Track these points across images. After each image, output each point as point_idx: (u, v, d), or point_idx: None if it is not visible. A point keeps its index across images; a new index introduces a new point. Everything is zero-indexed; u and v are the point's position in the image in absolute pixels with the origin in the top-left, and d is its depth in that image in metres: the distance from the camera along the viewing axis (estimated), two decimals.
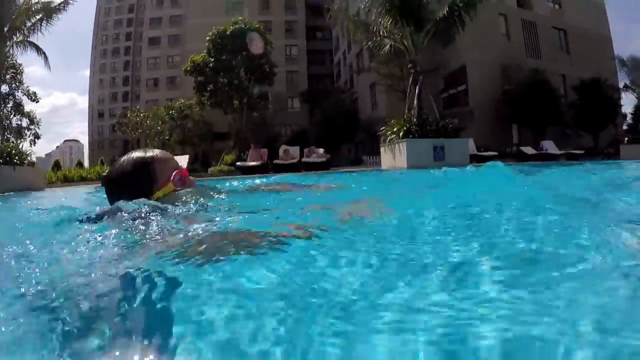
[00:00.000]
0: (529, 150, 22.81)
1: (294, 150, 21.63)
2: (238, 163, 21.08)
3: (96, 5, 67.18)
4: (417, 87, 16.01)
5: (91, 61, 67.89)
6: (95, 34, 67.65)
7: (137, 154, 1.55)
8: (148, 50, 56.44)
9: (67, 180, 23.40)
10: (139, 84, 59.21)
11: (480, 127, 27.24)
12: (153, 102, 49.29)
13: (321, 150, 21.64)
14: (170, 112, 34.42)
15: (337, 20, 18.34)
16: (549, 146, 22.91)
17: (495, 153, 20.82)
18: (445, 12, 15.28)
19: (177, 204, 1.44)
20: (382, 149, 16.67)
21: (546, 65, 28.18)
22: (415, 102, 15.86)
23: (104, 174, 1.57)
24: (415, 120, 15.35)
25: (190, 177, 1.62)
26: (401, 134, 14.96)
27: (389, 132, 15.69)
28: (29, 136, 27.33)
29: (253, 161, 20.92)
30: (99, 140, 64.56)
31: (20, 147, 17.44)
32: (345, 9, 18.18)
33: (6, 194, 9.24)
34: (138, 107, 40.90)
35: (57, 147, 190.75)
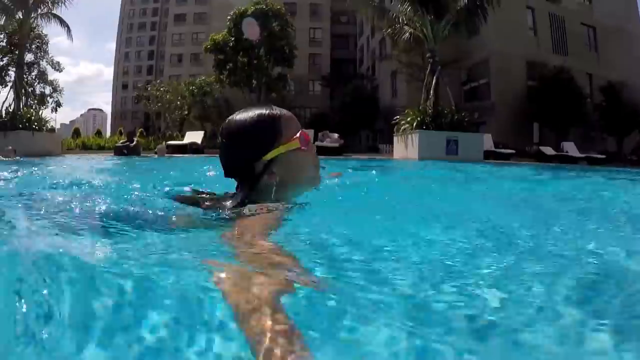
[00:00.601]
0: (548, 150, 22.24)
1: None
2: None
3: None
4: (434, 77, 15.63)
5: (118, 34, 68.67)
6: (123, 7, 68.20)
7: (260, 109, 1.45)
8: (174, 26, 56.60)
9: (85, 148, 23.90)
10: (163, 59, 59.55)
11: (500, 123, 26.74)
12: (176, 77, 49.35)
13: (335, 135, 21.53)
14: (191, 88, 34.50)
15: (357, 4, 17.86)
16: (570, 148, 22.29)
17: (513, 151, 20.35)
18: (466, 1, 14.80)
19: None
20: (395, 139, 16.44)
21: (572, 62, 27.37)
22: (431, 93, 15.52)
23: (224, 126, 1.46)
24: (430, 111, 15.05)
25: (313, 145, 1.51)
26: (414, 124, 14.71)
27: (402, 122, 15.45)
28: (51, 103, 27.68)
29: None
30: (122, 111, 65.34)
31: (40, 114, 18.24)
32: None
33: (21, 158, 9.41)
34: (159, 81, 41.05)
35: (81, 115, 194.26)
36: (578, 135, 25.42)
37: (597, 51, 30.56)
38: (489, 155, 19.29)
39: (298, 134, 1.42)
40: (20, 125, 15.45)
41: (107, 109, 75.63)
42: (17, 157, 9.59)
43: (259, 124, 1.40)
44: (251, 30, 27.64)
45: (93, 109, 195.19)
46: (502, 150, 20.17)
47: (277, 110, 1.44)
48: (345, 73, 46.16)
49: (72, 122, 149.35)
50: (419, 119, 14.72)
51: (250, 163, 1.37)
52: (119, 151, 15.88)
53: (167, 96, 33.93)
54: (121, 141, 18.30)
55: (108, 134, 49.85)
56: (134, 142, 16.61)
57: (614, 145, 27.30)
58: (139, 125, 45.62)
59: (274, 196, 1.37)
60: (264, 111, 1.42)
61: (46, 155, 12.44)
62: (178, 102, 33.74)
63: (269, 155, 1.37)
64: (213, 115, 36.24)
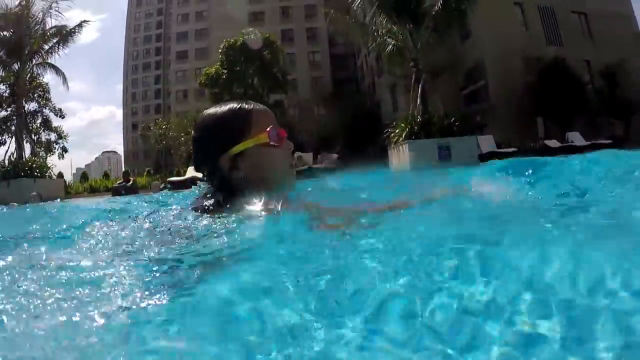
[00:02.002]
0: (553, 143, 21.92)
1: (307, 157, 21.66)
2: None
3: (126, 23, 69.76)
4: (419, 85, 15.57)
5: (124, 76, 70.44)
6: (127, 49, 70.09)
7: (233, 103, 1.44)
8: (176, 64, 57.89)
9: (93, 191, 24.34)
10: (170, 96, 60.79)
11: (502, 123, 26.45)
12: (183, 113, 50.38)
13: (334, 156, 21.68)
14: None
15: (338, 24, 17.97)
16: (575, 138, 21.93)
17: (515, 149, 20.10)
18: (439, 6, 14.77)
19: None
20: (389, 151, 16.39)
21: (569, 52, 27.04)
22: (418, 101, 15.45)
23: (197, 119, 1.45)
24: (419, 120, 14.96)
25: (289, 142, 1.47)
26: (403, 134, 14.63)
27: (392, 134, 15.40)
28: (57, 149, 28.28)
29: None
30: (134, 151, 66.68)
31: (44, 161, 19.04)
32: (344, 10, 17.76)
33: (13, 205, 9.77)
34: (160, 119, 41.83)
35: (96, 158, 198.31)
36: (583, 124, 24.93)
37: (592, 37, 30.11)
38: (491, 156, 19.13)
39: (269, 128, 1.38)
40: (22, 173, 16.03)
41: (121, 149, 77.16)
42: (41, 202, 10.05)
43: (228, 116, 1.38)
44: (254, 42, 28.15)
45: (107, 152, 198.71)
46: (504, 150, 19.95)
47: (250, 105, 1.42)
48: (348, 92, 46.41)
49: (87, 165, 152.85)
50: (407, 128, 14.64)
51: (217, 156, 1.34)
52: (116, 192, 16.28)
53: (171, 133, 34.48)
54: (118, 182, 18.72)
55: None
56: (130, 182, 17.02)
57: (622, 129, 26.69)
58: (152, 164, 46.39)
59: (247, 197, 1.32)
60: (235, 105, 1.40)
61: (47, 201, 12.78)
62: (182, 138, 34.25)
63: (236, 149, 1.33)
64: None
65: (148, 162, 56.33)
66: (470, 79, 30.33)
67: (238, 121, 1.36)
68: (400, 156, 14.87)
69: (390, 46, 17.07)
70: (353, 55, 51.85)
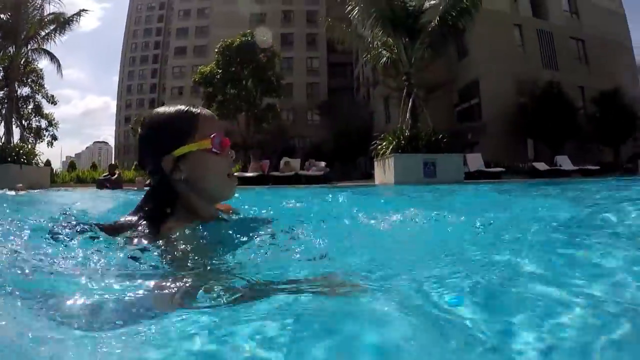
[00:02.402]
0: (541, 166, 22.03)
1: (295, 163, 21.51)
2: (236, 174, 21.06)
3: (127, 15, 69.50)
4: (410, 100, 15.52)
5: (120, 68, 70.03)
6: (126, 41, 69.76)
7: (181, 105, 1.45)
8: (174, 59, 57.60)
9: (80, 181, 23.98)
10: (165, 91, 60.50)
11: (493, 142, 26.54)
12: None
13: (322, 164, 21.46)
14: None
15: (334, 32, 17.91)
16: (563, 162, 22.05)
17: (502, 169, 20.15)
18: (436, 22, 14.76)
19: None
20: (375, 164, 16.28)
21: (563, 76, 27.27)
22: (408, 115, 15.39)
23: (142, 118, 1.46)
24: (407, 134, 14.88)
25: (232, 151, 1.48)
26: (390, 148, 14.55)
27: (379, 147, 15.31)
28: (47, 137, 28.10)
29: (252, 172, 20.91)
30: (125, 145, 66.18)
31: (31, 148, 18.87)
32: (344, 19, 17.74)
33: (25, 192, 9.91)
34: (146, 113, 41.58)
35: (87, 147, 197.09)
36: (573, 148, 25.11)
37: (587, 63, 30.40)
38: (479, 176, 19.11)
39: (213, 135, 1.38)
40: (9, 159, 15.86)
41: (112, 141, 76.74)
42: (24, 192, 10.02)
43: (175, 118, 1.38)
44: (263, 42, 28.11)
45: (98, 142, 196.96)
46: (491, 169, 19.96)
47: (198, 109, 1.43)
48: (343, 101, 46.41)
49: (77, 155, 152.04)
50: (394, 142, 14.56)
51: (160, 156, 1.34)
52: (100, 184, 15.98)
53: None
54: (103, 175, 18.46)
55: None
56: (116, 175, 16.73)
57: (611, 156, 26.88)
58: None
59: (185, 206, 1.37)
60: (182, 107, 1.42)
61: (30, 189, 12.59)
62: None
63: (179, 151, 1.34)
64: None
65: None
66: (464, 96, 30.45)
67: (184, 124, 1.37)
68: (386, 169, 14.78)
69: (384, 58, 17.08)
70: (351, 64, 51.86)
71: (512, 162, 23.49)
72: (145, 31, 68.49)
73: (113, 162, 22.63)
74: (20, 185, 11.13)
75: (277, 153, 28.17)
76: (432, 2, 15.06)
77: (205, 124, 1.40)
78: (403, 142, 14.44)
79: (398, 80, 26.37)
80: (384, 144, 14.96)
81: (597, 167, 21.37)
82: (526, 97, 26.65)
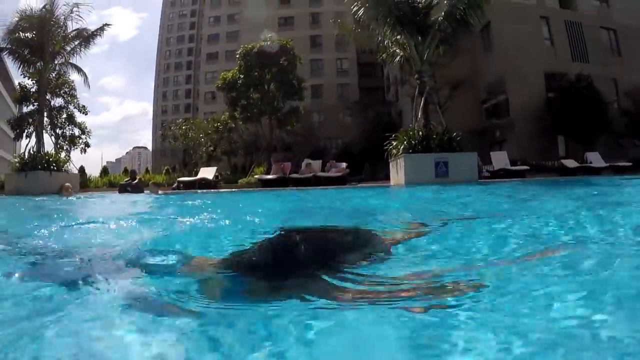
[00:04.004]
0: (570, 163, 21.33)
1: (316, 164, 21.60)
2: (257, 176, 21.58)
3: (160, 23, 71.40)
4: (422, 98, 15.25)
5: (155, 74, 71.93)
6: (160, 49, 71.61)
7: None
8: (206, 64, 58.64)
9: (112, 186, 24.98)
10: (199, 96, 61.72)
11: (522, 139, 25.87)
12: (211, 114, 51.02)
13: (343, 165, 21.53)
14: (216, 125, 35.37)
15: (345, 31, 17.83)
16: (594, 158, 21.23)
17: (527, 167, 19.54)
18: (441, 17, 14.44)
19: None
20: (390, 164, 16.07)
21: (594, 69, 26.07)
22: (420, 114, 15.13)
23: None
24: (421, 133, 14.62)
25: None
26: (401, 148, 14.35)
27: (391, 147, 15.12)
28: (81, 144, 29.24)
29: (274, 174, 21.21)
30: (162, 149, 67.83)
31: (59, 155, 20.34)
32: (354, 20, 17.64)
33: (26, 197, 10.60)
34: (180, 119, 42.50)
35: (127, 153, 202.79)
36: (606, 144, 23.99)
37: (620, 55, 28.97)
38: (504, 174, 18.63)
39: None
40: (39, 166, 16.94)
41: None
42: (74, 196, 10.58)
43: None
44: (269, 46, 28.45)
45: (138, 147, 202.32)
46: (515, 168, 19.42)
47: None
48: (373, 101, 46.03)
49: (118, 160, 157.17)
50: (405, 142, 14.35)
51: None
52: (122, 189, 16.66)
53: (191, 134, 34.95)
54: (125, 180, 19.27)
55: (151, 171, 51.89)
56: (136, 180, 17.43)
57: None
58: (179, 162, 47.10)
59: None
60: None
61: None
62: (202, 139, 34.64)
63: None
64: (240, 150, 37.01)
65: (175, 160, 57.42)
66: (491, 92, 29.68)
67: None
68: (398, 170, 14.59)
69: (398, 57, 16.87)
70: (381, 64, 51.52)
71: (541, 160, 22.82)
72: (178, 38, 70.18)
73: (132, 169, 23.42)
74: (69, 187, 11.77)
75: (307, 155, 28.31)
76: None
77: None
78: (414, 141, 14.20)
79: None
80: (395, 143, 14.76)
81: (630, 164, 20.42)
82: (555, 92, 25.72)
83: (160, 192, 16.51)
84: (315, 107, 46.83)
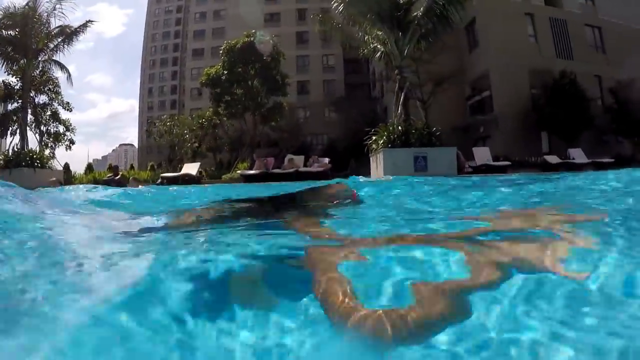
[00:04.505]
0: (553, 159, 21.44)
1: (299, 160, 21.48)
2: (239, 171, 21.49)
3: (145, 18, 70.71)
4: (402, 93, 15.14)
5: (141, 71, 71.20)
6: (145, 45, 70.87)
7: None
8: (192, 61, 58.19)
9: (97, 182, 24.79)
10: (184, 93, 61.26)
11: (506, 135, 25.93)
12: (197, 110, 50.62)
13: (326, 160, 21.44)
14: (201, 121, 35.04)
15: (326, 27, 17.65)
16: (577, 155, 21.35)
17: (508, 163, 19.58)
18: (419, 14, 14.34)
19: None
20: (371, 159, 15.96)
21: (579, 66, 26.19)
22: (400, 109, 15.02)
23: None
24: (400, 128, 14.51)
25: None
26: (381, 142, 14.24)
27: (371, 142, 15.00)
28: (65, 141, 28.95)
29: (257, 170, 21.09)
30: (147, 146, 67.24)
31: (42, 152, 20.43)
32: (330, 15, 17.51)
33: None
34: (167, 115, 42.11)
35: (113, 150, 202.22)
36: (589, 141, 24.17)
37: (604, 52, 29.12)
38: (484, 170, 18.62)
39: None
40: (23, 163, 17.10)
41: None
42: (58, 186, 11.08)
43: None
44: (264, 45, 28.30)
45: (125, 144, 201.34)
46: (497, 164, 19.43)
47: None
48: (359, 97, 45.99)
49: (104, 157, 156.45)
50: (385, 137, 14.24)
51: None
52: (105, 185, 16.66)
53: (175, 130, 34.63)
54: (107, 176, 19.41)
55: (136, 167, 51.51)
56: (119, 176, 17.64)
57: (631, 149, 25.74)
58: (164, 159, 46.73)
59: None
60: None
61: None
62: (187, 135, 34.32)
63: None
64: (225, 146, 36.73)
65: (161, 156, 56.93)
66: (476, 88, 29.72)
67: None
68: (377, 165, 14.49)
69: (379, 53, 16.73)
70: (367, 60, 51.46)
71: (525, 156, 22.91)
72: (164, 34, 69.47)
73: (114, 165, 23.36)
74: (54, 179, 12.00)
75: (293, 151, 28.18)
76: None
77: None
78: (393, 136, 14.09)
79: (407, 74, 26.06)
80: (375, 138, 14.66)
81: (612, 160, 20.49)
82: (539, 88, 25.79)
83: (140, 186, 16.52)
84: (301, 103, 46.74)
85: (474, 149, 20.91)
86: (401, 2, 14.78)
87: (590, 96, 25.20)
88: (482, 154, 20.25)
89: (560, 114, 23.88)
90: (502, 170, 18.57)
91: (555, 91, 24.47)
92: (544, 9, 28.80)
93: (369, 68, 50.77)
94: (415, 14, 14.82)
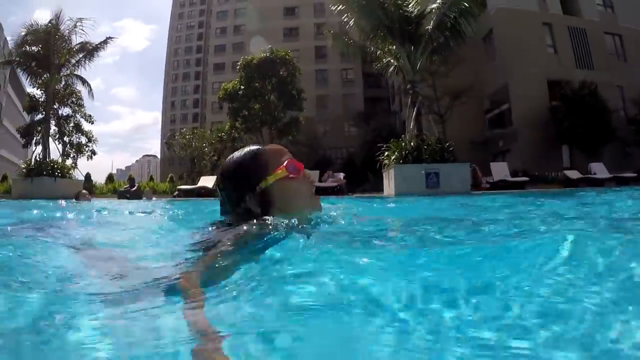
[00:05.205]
0: (573, 174, 20.88)
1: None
2: None
3: (168, 33, 72.51)
4: (415, 108, 15.01)
5: (164, 85, 72.79)
6: (168, 59, 72.57)
7: (246, 148, 1.61)
8: (213, 75, 59.03)
9: (116, 192, 25.39)
10: (206, 106, 62.19)
11: (525, 149, 25.46)
12: (218, 123, 51.23)
13: (340, 175, 21.37)
14: (220, 135, 35.44)
15: (337, 42, 17.67)
16: (598, 169, 20.74)
17: (526, 179, 19.14)
18: (429, 28, 14.23)
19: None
20: (384, 175, 15.79)
21: (599, 76, 25.65)
22: (412, 123, 14.88)
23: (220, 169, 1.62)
24: (412, 144, 14.34)
25: (309, 172, 1.63)
26: (392, 158, 14.09)
27: (384, 157, 14.86)
28: (87, 152, 29.94)
29: None
30: (169, 158, 68.31)
31: (67, 162, 21.82)
32: (343, 30, 17.56)
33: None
34: (185, 129, 42.66)
35: (137, 161, 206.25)
36: (612, 154, 23.43)
37: (626, 60, 28.37)
38: (503, 186, 18.25)
39: (285, 163, 1.51)
40: (45, 172, 17.56)
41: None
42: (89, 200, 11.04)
43: (245, 161, 1.53)
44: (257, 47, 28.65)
45: (148, 155, 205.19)
46: (515, 179, 19.03)
47: (261, 146, 1.58)
48: (378, 111, 45.88)
49: (127, 167, 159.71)
50: (397, 152, 14.09)
51: (242, 199, 1.48)
52: (121, 195, 17.31)
53: (194, 143, 35.10)
54: (124, 187, 19.87)
55: (158, 178, 52.21)
56: (135, 187, 18.01)
57: None
58: (186, 170, 47.25)
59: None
60: (248, 149, 1.58)
61: (65, 199, 13.61)
62: (205, 149, 34.75)
63: (261, 185, 1.48)
64: None
65: (182, 168, 57.61)
66: (494, 101, 29.33)
67: (255, 163, 1.51)
68: (389, 181, 14.32)
69: (392, 67, 16.66)
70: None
71: (544, 171, 22.36)
72: (186, 49, 71.12)
73: (130, 177, 23.88)
74: (84, 191, 12.23)
75: (311, 165, 28.23)
76: (434, 6, 14.44)
77: (274, 157, 1.53)
78: (405, 152, 13.93)
79: (422, 88, 25.90)
80: (387, 154, 14.51)
81: (634, 175, 19.86)
82: (558, 100, 25.25)
83: (153, 198, 16.94)
84: (320, 118, 46.74)
85: (491, 164, 20.53)
86: (412, 16, 14.66)
87: (611, 107, 24.51)
88: (499, 170, 19.86)
89: (580, 126, 23.28)
90: (520, 186, 18.18)
91: (574, 102, 23.91)
92: (563, 18, 28.31)
93: (387, 82, 50.71)
94: (426, 27, 14.70)
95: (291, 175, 1.49)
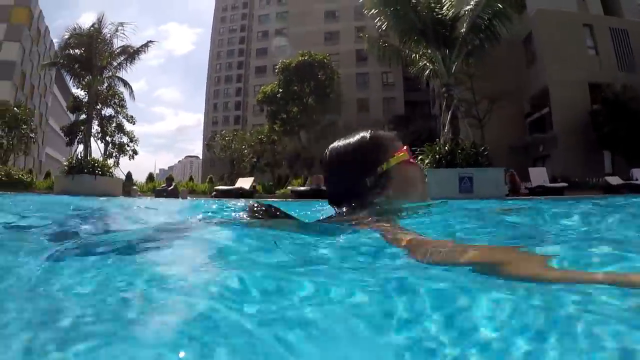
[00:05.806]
0: (614, 180, 20.29)
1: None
2: (289, 188, 22.02)
3: (211, 36, 74.36)
4: (450, 112, 15.18)
5: (206, 87, 74.70)
6: (210, 62, 74.48)
7: (360, 132, 1.56)
8: (255, 78, 60.07)
9: (154, 191, 26.37)
10: (247, 108, 63.32)
11: (566, 154, 25.00)
12: (259, 126, 52.18)
13: None
14: (260, 137, 36.23)
15: (371, 45, 17.91)
16: None
17: (565, 185, 18.83)
18: (463, 31, 14.37)
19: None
20: None
21: None
22: (447, 127, 15.06)
23: (325, 157, 1.57)
24: (447, 148, 14.53)
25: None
26: (427, 162, 14.31)
27: (418, 161, 15.05)
28: (129, 151, 31.37)
29: (308, 186, 21.60)
30: (211, 159, 69.96)
31: (109, 161, 22.85)
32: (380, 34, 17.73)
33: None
34: (225, 131, 43.71)
35: (179, 161, 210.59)
36: None
37: None
38: (541, 192, 18.04)
39: (405, 147, 1.51)
40: (85, 170, 18.10)
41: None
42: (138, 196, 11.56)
43: (361, 145, 1.49)
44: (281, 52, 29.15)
45: (190, 156, 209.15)
46: (553, 185, 18.79)
47: (379, 132, 1.55)
48: (419, 115, 45.64)
49: (170, 167, 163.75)
50: (431, 156, 14.32)
51: (360, 181, 1.44)
52: (158, 194, 17.94)
53: (234, 145, 35.98)
54: (162, 186, 20.61)
55: (199, 180, 53.65)
56: (172, 187, 18.68)
57: None
58: (227, 171, 48.38)
59: (384, 211, 1.41)
60: (362, 134, 1.52)
61: (104, 196, 14.22)
62: (245, 150, 35.59)
63: (383, 167, 1.44)
64: (284, 161, 37.69)
65: (223, 169, 58.87)
66: (535, 105, 28.87)
67: (375, 147, 1.48)
68: None
69: (428, 70, 16.84)
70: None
71: (585, 177, 21.88)
72: (229, 52, 72.75)
73: (168, 176, 24.78)
74: (135, 188, 12.63)
75: None
76: (467, 8, 14.56)
77: (391, 140, 1.51)
78: (439, 156, 14.15)
79: (461, 91, 25.82)
80: (421, 157, 14.73)
81: None
82: (599, 104, 24.70)
83: (188, 197, 17.53)
84: (361, 121, 46.89)
85: (530, 169, 20.27)
86: (446, 18, 14.81)
87: None
88: (538, 175, 19.60)
89: (622, 131, 22.73)
90: (558, 192, 17.91)
91: (616, 106, 23.33)
92: (604, 19, 27.71)
93: (428, 85, 50.35)
94: (461, 30, 14.84)
95: (412, 160, 1.50)
